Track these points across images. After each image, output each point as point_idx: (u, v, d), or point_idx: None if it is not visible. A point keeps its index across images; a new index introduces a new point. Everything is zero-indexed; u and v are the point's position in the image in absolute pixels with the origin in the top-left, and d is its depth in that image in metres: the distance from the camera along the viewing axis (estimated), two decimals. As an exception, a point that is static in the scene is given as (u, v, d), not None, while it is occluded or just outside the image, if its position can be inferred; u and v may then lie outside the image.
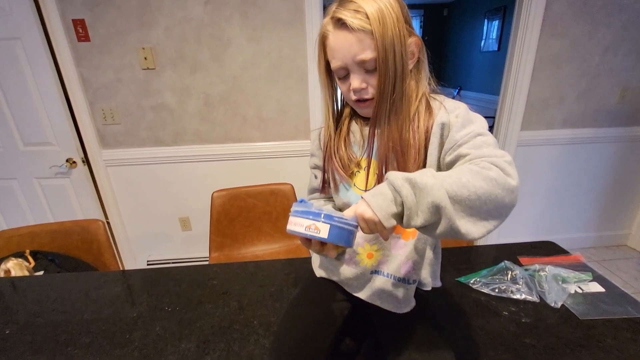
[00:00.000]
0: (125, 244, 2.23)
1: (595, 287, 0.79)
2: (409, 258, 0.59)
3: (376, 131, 0.58)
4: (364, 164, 0.62)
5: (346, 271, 0.63)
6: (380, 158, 0.57)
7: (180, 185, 2.08)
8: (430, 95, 0.60)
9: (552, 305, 0.74)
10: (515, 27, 1.86)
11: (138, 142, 1.98)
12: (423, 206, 0.41)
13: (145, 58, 1.79)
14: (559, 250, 0.96)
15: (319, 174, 0.68)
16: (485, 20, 4.05)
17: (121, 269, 1.26)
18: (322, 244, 0.52)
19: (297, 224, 0.47)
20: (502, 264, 0.85)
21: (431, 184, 0.41)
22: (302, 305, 0.64)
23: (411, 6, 5.10)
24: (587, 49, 1.83)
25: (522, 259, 0.90)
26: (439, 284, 0.65)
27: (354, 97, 0.58)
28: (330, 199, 0.70)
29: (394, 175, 0.44)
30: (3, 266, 1.09)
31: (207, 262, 1.48)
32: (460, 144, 0.51)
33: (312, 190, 0.71)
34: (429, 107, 0.58)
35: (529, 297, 0.75)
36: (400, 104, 0.56)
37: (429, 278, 0.63)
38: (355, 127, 0.64)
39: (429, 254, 0.61)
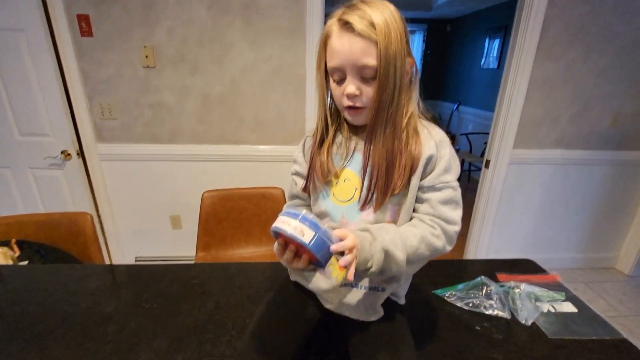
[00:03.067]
0: (115, 239, 2.23)
1: (568, 307, 0.80)
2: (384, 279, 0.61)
3: (371, 141, 0.59)
4: (344, 175, 0.63)
5: (318, 281, 0.64)
6: (373, 168, 0.58)
7: (173, 183, 2.09)
8: (419, 119, 0.62)
9: (523, 322, 0.74)
10: (511, 48, 1.90)
11: (134, 138, 1.99)
12: (385, 274, 0.54)
13: (146, 56, 1.82)
14: (537, 269, 0.97)
15: (299, 180, 0.69)
16: (487, 38, 4.11)
17: (106, 263, 1.27)
18: (297, 253, 0.53)
19: (285, 223, 0.48)
20: (479, 279, 0.86)
21: (401, 261, 0.53)
22: (273, 309, 0.65)
23: (415, 20, 5.17)
24: (581, 73, 1.87)
25: (500, 276, 0.91)
26: (403, 301, 0.66)
27: (346, 103, 0.58)
28: (309, 206, 0.71)
29: (379, 242, 0.53)
30: (-13, 254, 1.10)
31: (193, 262, 1.49)
32: (436, 189, 0.58)
33: (292, 197, 0.73)
34: (416, 131, 0.60)
35: (501, 314, 0.76)
36: (395, 117, 0.57)
37: (401, 290, 0.64)
38: (340, 138, 0.65)
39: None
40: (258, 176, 2.07)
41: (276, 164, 2.05)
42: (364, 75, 0.55)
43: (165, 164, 2.05)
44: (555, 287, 0.87)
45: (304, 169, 0.68)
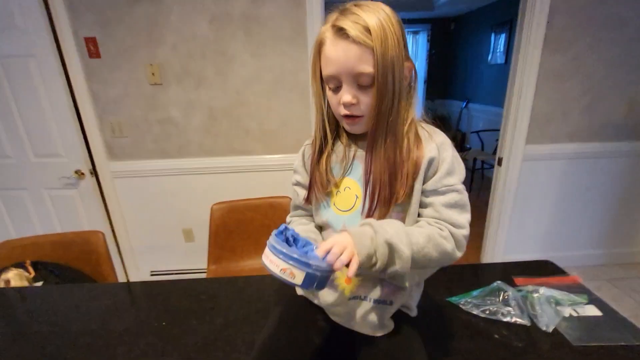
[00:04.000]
0: (130, 255, 2.26)
1: (592, 311, 0.76)
2: (390, 283, 0.59)
3: (372, 152, 0.57)
4: (345, 184, 0.61)
5: (325, 295, 0.62)
6: (375, 180, 0.56)
7: (184, 197, 2.11)
8: (420, 124, 0.60)
9: (544, 329, 0.71)
10: (517, 42, 1.86)
11: (144, 154, 2.02)
12: (390, 268, 0.50)
13: (152, 74, 1.85)
14: (556, 270, 0.93)
15: (301, 191, 0.68)
16: (492, 34, 4.04)
17: (121, 280, 1.28)
18: None
19: (272, 263, 0.46)
20: (495, 284, 0.82)
21: (406, 256, 0.50)
22: (281, 325, 0.63)
23: (418, 20, 5.14)
24: (590, 63, 1.81)
25: (517, 280, 0.87)
26: (415, 313, 0.63)
27: (342, 112, 0.56)
28: (312, 217, 0.70)
29: (381, 235, 0.50)
30: (3, 276, 1.12)
31: (206, 275, 1.49)
32: (439, 192, 0.55)
33: (295, 207, 0.71)
34: (417, 136, 0.58)
35: (520, 320, 0.73)
36: (396, 125, 0.55)
37: (412, 302, 0.61)
38: (339, 147, 0.63)
39: (413, 283, 0.60)
40: (267, 186, 2.07)
41: (284, 172, 2.05)
42: (360, 82, 0.53)
43: (175, 178, 2.07)
44: (577, 289, 0.83)
45: (304, 178, 0.67)
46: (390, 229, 0.51)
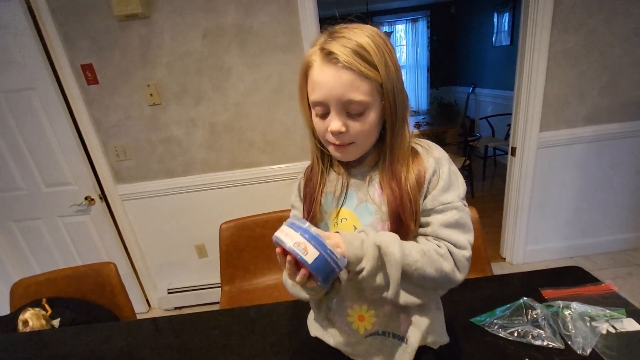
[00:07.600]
0: (147, 274, 2.28)
1: (631, 325, 0.69)
2: (407, 314, 0.55)
3: (381, 184, 0.54)
4: (342, 215, 0.57)
5: (338, 336, 0.58)
6: (391, 215, 0.52)
7: (193, 213, 2.10)
8: (412, 139, 0.57)
9: (580, 352, 0.65)
10: (524, 23, 1.77)
11: (151, 175, 2.02)
12: (378, 275, 0.48)
13: (150, 95, 1.83)
14: (587, 278, 0.86)
15: None
16: (495, 14, 3.90)
17: (137, 303, 1.28)
18: (298, 266, 0.47)
19: (287, 236, 0.45)
20: (521, 301, 0.77)
21: (397, 261, 0.46)
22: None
23: (417, 7, 4.99)
24: (605, 40, 1.70)
25: (545, 292, 0.81)
26: (446, 339, 0.59)
27: (331, 140, 0.52)
28: None
29: (371, 238, 0.48)
30: (21, 317, 1.12)
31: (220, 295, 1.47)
32: (438, 210, 0.51)
33: None
34: (415, 153, 0.54)
35: (552, 344, 0.67)
36: (400, 150, 0.53)
37: (433, 336, 0.57)
38: (332, 175, 0.60)
39: (429, 309, 0.56)
40: (275, 196, 2.04)
41: (291, 182, 2.01)
42: (350, 110, 0.49)
43: (183, 196, 2.06)
44: (612, 298, 0.76)
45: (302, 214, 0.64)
46: (383, 236, 0.49)
